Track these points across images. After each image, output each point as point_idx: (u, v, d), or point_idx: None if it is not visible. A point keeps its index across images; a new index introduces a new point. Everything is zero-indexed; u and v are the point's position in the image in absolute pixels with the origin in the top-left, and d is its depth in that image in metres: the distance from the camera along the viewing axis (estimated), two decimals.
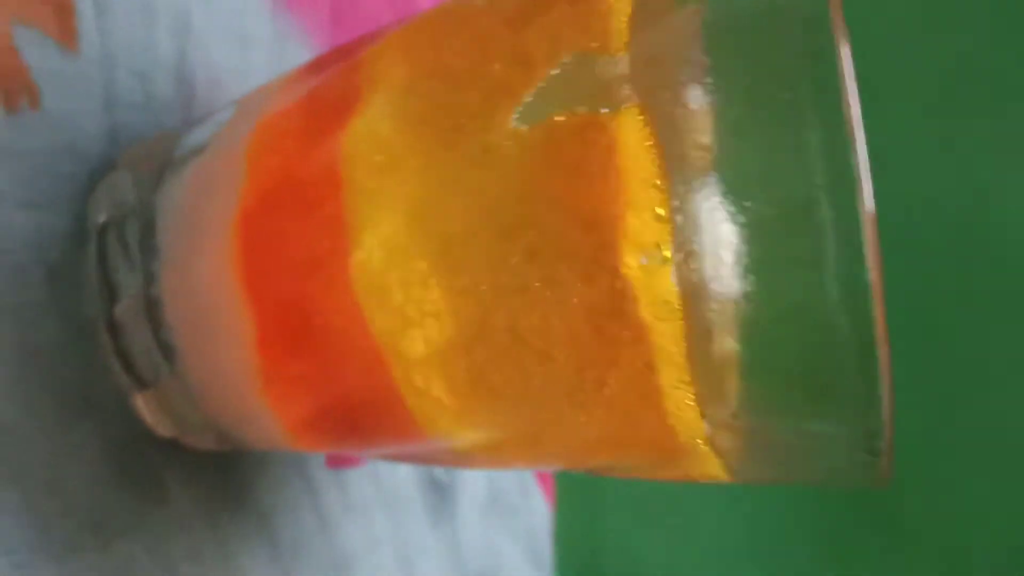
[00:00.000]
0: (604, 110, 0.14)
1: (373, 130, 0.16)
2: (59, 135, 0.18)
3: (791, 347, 0.14)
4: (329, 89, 0.18)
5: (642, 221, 0.14)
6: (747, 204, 0.14)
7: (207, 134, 0.19)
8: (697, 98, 0.14)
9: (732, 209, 0.14)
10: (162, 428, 0.20)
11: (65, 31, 0.18)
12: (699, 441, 0.16)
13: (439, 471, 0.32)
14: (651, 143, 0.14)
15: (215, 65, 0.23)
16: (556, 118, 0.15)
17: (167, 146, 0.20)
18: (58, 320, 0.17)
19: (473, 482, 0.34)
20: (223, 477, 0.21)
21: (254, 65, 0.25)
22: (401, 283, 0.16)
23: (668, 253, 0.14)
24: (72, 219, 0.18)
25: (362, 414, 0.18)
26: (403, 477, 0.29)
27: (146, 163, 0.20)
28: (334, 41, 0.29)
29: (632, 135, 0.14)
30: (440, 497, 0.31)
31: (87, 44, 0.19)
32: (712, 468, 0.17)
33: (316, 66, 0.19)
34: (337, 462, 0.26)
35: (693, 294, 0.14)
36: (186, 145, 0.19)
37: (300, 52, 0.27)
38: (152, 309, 0.18)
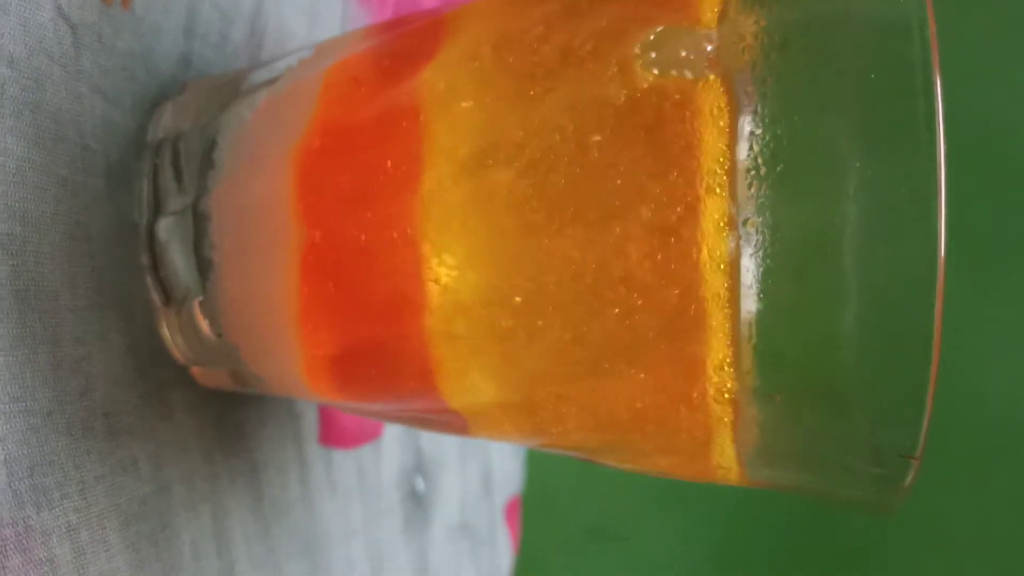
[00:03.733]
0: (688, 75, 0.15)
1: (451, 74, 0.17)
2: (140, 42, 0.18)
3: (818, 347, 0.15)
4: (407, 40, 0.18)
5: (709, 200, 0.14)
6: (789, 210, 0.14)
7: (280, 70, 0.20)
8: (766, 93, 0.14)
9: (776, 207, 0.14)
10: (179, 351, 0.20)
11: None
12: (725, 422, 0.16)
13: (420, 485, 0.32)
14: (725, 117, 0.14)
15: (285, 29, 0.24)
16: (637, 78, 0.15)
17: (235, 79, 0.20)
18: (111, 214, 0.17)
19: (448, 504, 0.34)
20: (223, 419, 0.21)
21: (318, 37, 0.26)
22: (457, 220, 0.16)
23: (727, 239, 0.14)
24: (136, 125, 0.19)
25: (386, 358, 0.18)
26: (385, 477, 0.29)
27: (214, 91, 0.20)
28: None
29: (709, 103, 0.15)
30: (416, 508, 0.31)
31: None
32: (727, 458, 0.17)
33: (391, 24, 0.20)
34: (329, 440, 0.26)
35: (743, 284, 0.14)
36: (256, 79, 0.20)
37: None
38: (198, 224, 0.19)
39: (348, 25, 0.27)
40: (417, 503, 0.31)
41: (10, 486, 0.14)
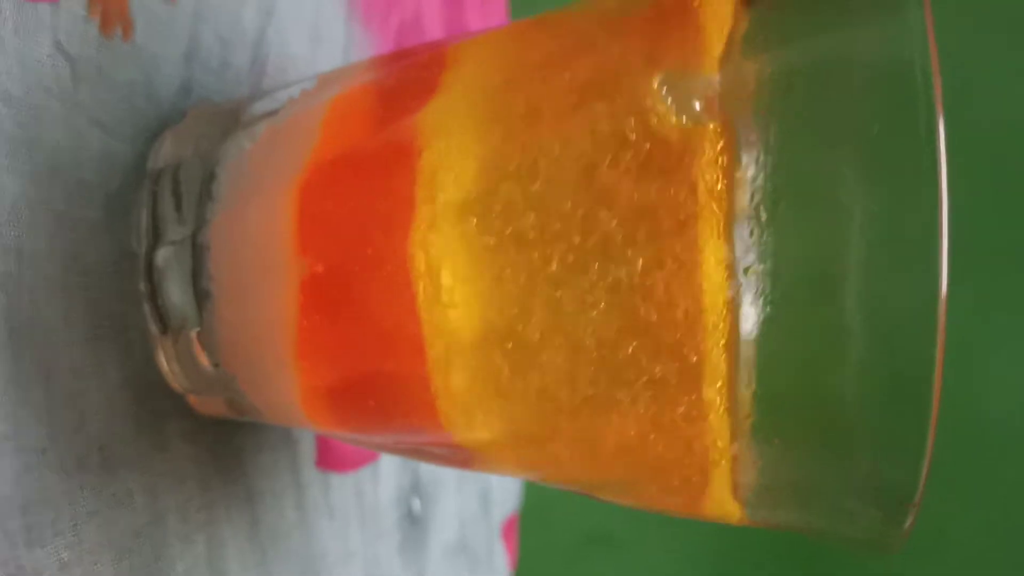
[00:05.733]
0: (686, 121, 0.15)
1: (453, 109, 0.17)
2: (141, 71, 0.18)
3: (818, 391, 0.15)
4: (411, 72, 0.18)
5: (709, 246, 0.14)
6: (790, 255, 0.14)
7: (282, 100, 0.19)
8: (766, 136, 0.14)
9: (777, 254, 0.14)
10: (176, 380, 0.20)
11: None
12: (724, 464, 0.16)
13: (416, 505, 0.31)
14: (722, 162, 0.14)
15: (287, 53, 0.24)
16: (634, 120, 0.15)
17: (236, 108, 0.20)
18: (109, 245, 0.17)
19: (445, 524, 0.34)
20: (220, 447, 0.21)
21: (321, 62, 0.26)
22: (458, 260, 0.16)
23: (724, 280, 0.14)
24: (135, 155, 0.19)
25: (384, 391, 0.18)
26: (383, 499, 0.29)
27: (214, 120, 0.20)
28: None
29: (711, 148, 0.14)
30: (413, 529, 0.31)
31: None
32: (726, 499, 0.17)
33: (395, 56, 0.19)
34: (327, 464, 0.26)
35: (743, 330, 0.14)
36: (257, 109, 0.20)
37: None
38: (196, 255, 0.19)
39: (352, 48, 0.27)
40: (414, 523, 0.31)
41: (1, 526, 0.14)
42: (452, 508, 0.34)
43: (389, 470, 0.29)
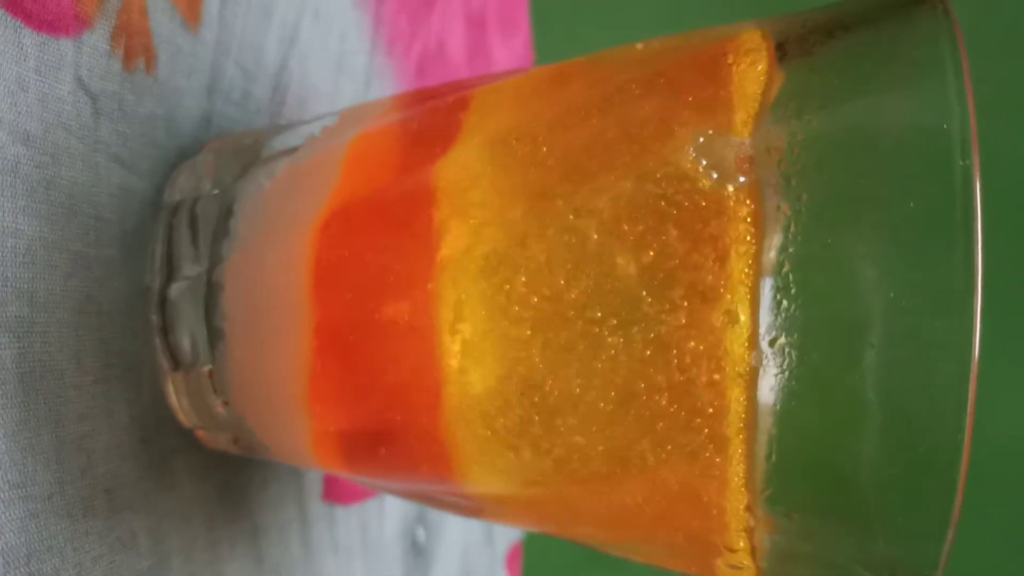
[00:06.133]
0: (717, 184, 0.14)
1: (475, 160, 0.16)
2: (162, 105, 0.18)
3: (839, 465, 0.14)
4: (434, 117, 0.18)
5: (733, 315, 0.14)
6: (816, 328, 0.14)
7: (302, 137, 0.19)
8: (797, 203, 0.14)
9: (804, 325, 0.14)
10: (185, 416, 0.19)
11: (192, 10, 0.19)
12: (741, 533, 0.16)
13: (420, 535, 0.31)
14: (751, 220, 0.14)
15: (309, 85, 0.24)
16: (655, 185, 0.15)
17: (256, 142, 0.20)
18: (123, 282, 0.17)
19: (448, 555, 0.33)
20: (227, 482, 0.21)
21: (342, 93, 0.25)
22: (476, 313, 0.16)
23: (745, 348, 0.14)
24: (153, 189, 0.18)
25: (396, 439, 0.18)
26: (388, 531, 0.29)
27: (233, 154, 0.20)
28: (417, 87, 0.29)
29: (740, 216, 0.14)
30: (418, 560, 0.31)
31: (207, 28, 0.19)
32: (742, 567, 0.16)
33: (418, 97, 0.19)
34: (333, 497, 0.25)
35: (763, 402, 0.14)
36: (276, 144, 0.20)
37: (385, 91, 0.27)
38: (210, 293, 0.18)
39: (374, 77, 0.27)
40: (418, 555, 0.31)
41: None
42: (456, 538, 0.34)
43: (395, 502, 0.29)
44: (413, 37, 0.29)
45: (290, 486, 0.23)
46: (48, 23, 0.15)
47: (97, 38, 0.16)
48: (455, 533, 0.34)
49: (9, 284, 0.14)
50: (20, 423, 0.14)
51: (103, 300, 0.17)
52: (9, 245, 0.14)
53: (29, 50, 0.14)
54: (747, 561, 0.16)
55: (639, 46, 0.17)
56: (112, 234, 0.17)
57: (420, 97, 0.19)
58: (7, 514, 0.14)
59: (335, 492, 0.26)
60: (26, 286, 0.14)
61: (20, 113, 0.14)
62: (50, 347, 0.15)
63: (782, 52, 0.15)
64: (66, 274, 0.15)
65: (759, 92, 0.15)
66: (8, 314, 0.14)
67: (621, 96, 0.16)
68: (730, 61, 0.15)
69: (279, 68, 0.22)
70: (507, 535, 0.39)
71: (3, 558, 0.14)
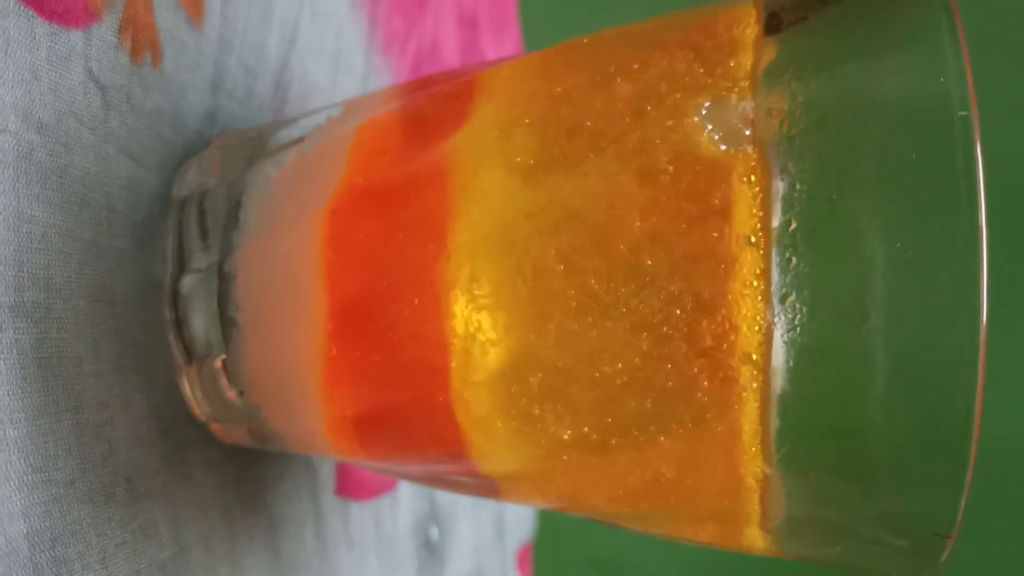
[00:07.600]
0: (723, 147, 0.15)
1: (484, 138, 0.16)
2: (168, 100, 0.18)
3: (853, 422, 0.14)
4: (438, 101, 0.18)
5: (743, 276, 0.14)
6: (826, 284, 0.14)
7: (307, 128, 0.19)
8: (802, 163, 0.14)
9: (813, 283, 0.14)
10: (200, 408, 0.19)
11: (195, 6, 0.19)
12: (754, 496, 0.16)
13: (434, 533, 0.31)
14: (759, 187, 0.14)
15: (309, 81, 0.24)
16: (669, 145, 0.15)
17: (261, 136, 0.20)
18: (135, 274, 0.17)
19: (461, 553, 0.33)
20: (243, 476, 0.21)
21: (341, 90, 0.26)
22: (490, 289, 0.16)
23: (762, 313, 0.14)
24: (161, 183, 0.19)
25: (412, 421, 0.18)
26: (401, 527, 0.29)
27: (238, 148, 0.20)
28: None
29: (746, 178, 0.14)
30: (431, 558, 0.31)
31: (210, 25, 0.20)
32: (755, 531, 0.17)
33: (420, 84, 0.19)
34: (346, 492, 0.26)
35: (776, 361, 0.14)
36: (283, 136, 0.20)
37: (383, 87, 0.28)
38: (222, 283, 0.18)
39: (371, 75, 0.27)
40: (432, 552, 0.31)
41: (31, 559, 0.14)
42: (468, 536, 0.34)
43: (407, 498, 0.29)
44: (408, 37, 0.29)
45: (304, 480, 0.23)
46: (59, 14, 0.15)
47: (105, 31, 0.16)
48: (467, 531, 0.34)
49: (25, 269, 0.14)
50: (40, 408, 0.14)
51: (116, 290, 0.17)
52: (24, 231, 0.14)
53: (41, 39, 0.15)
54: (758, 530, 0.16)
55: (639, 24, 0.17)
56: (123, 225, 0.17)
57: (421, 84, 0.19)
58: (31, 497, 0.14)
59: (348, 487, 0.26)
60: (42, 272, 0.15)
61: (33, 101, 0.14)
62: (67, 334, 0.15)
63: (776, 20, 0.16)
64: (80, 262, 0.16)
65: (758, 58, 0.15)
66: (25, 299, 0.14)
67: (625, 70, 0.16)
68: (728, 29, 0.16)
69: (281, 66, 0.23)
70: (516, 534, 0.40)
71: (29, 541, 0.14)
